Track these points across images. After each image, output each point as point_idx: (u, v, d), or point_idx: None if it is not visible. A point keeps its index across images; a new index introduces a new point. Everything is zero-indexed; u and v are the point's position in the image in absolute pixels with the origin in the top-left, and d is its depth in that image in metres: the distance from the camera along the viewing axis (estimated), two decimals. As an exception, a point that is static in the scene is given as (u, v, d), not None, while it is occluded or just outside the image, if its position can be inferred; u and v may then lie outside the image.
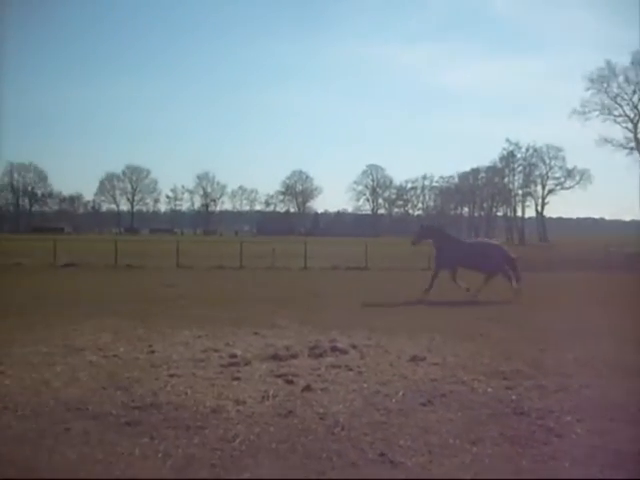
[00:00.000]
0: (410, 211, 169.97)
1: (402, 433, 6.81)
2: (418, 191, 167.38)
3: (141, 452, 6.18)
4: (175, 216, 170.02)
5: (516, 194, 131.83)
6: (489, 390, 8.54)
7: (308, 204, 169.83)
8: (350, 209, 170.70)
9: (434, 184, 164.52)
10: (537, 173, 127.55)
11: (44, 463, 5.88)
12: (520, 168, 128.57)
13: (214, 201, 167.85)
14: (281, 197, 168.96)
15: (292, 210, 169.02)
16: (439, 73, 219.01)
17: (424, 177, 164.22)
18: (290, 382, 8.77)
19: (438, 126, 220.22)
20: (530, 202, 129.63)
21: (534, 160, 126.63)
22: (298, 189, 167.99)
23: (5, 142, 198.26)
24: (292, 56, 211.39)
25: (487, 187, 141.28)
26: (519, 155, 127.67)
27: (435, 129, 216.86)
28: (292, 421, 7.18)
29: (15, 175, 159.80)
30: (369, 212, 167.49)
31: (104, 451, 6.17)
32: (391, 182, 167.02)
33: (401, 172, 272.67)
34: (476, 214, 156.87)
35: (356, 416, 7.37)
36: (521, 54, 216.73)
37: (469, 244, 21.90)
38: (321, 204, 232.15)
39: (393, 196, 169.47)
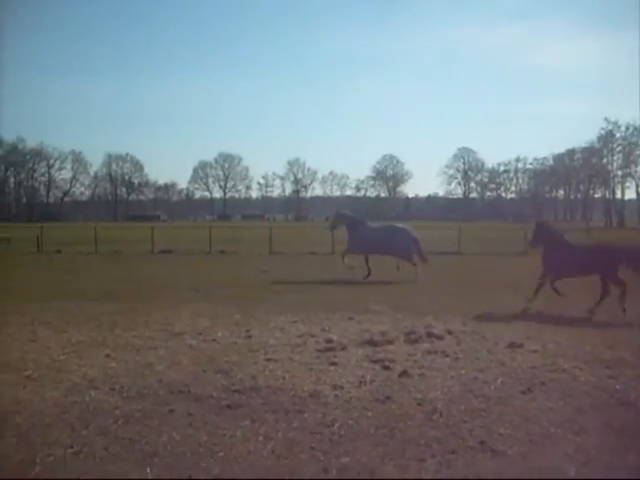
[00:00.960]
0: (503, 194, 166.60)
1: (502, 421, 6.71)
2: (511, 174, 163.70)
3: (242, 434, 6.32)
4: (266, 202, 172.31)
5: (615, 175, 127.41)
6: (591, 379, 8.30)
7: (399, 189, 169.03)
8: (441, 193, 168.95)
9: (528, 166, 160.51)
10: (638, 153, 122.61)
11: (153, 444, 6.08)
12: (619, 148, 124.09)
13: (305, 187, 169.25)
14: (372, 182, 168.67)
15: (382, 195, 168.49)
16: (531, 53, 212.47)
17: (517, 159, 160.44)
18: (387, 368, 8.76)
19: (531, 107, 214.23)
20: (630, 183, 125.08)
21: (634, 139, 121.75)
22: (389, 174, 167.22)
23: (104, 135, 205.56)
24: (380, 42, 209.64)
25: (584, 168, 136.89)
26: (618, 135, 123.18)
27: (528, 110, 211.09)
28: (390, 407, 7.18)
29: (113, 166, 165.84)
30: (461, 196, 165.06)
31: (207, 433, 6.35)
32: (483, 165, 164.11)
33: (493, 155, 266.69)
34: (572, 197, 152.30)
35: (454, 403, 7.30)
36: (616, 29, 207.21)
37: (377, 229, 22.66)
38: (412, 188, 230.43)
39: (485, 179, 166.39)
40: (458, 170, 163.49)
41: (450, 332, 11.10)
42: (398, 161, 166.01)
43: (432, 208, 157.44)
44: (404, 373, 8.46)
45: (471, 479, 5.36)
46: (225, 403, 7.29)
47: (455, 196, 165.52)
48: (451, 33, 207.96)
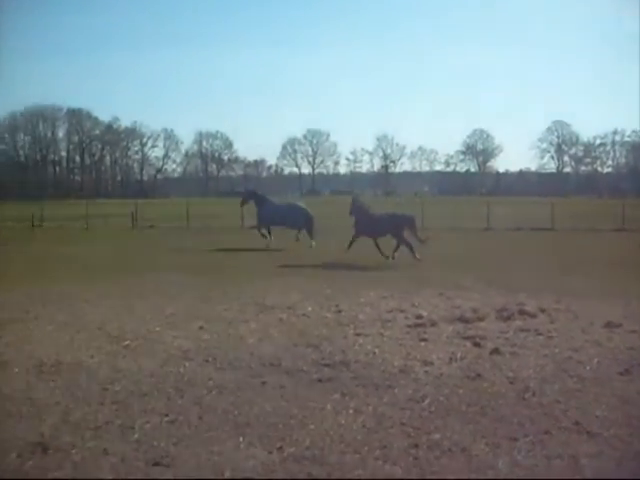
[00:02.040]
0: (599, 169, 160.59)
1: (598, 403, 6.51)
2: (608, 147, 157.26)
3: (333, 408, 6.37)
4: (355, 178, 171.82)
5: None
6: (696, 361, 7.94)
7: (489, 163, 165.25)
8: (533, 168, 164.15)
9: (626, 139, 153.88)
10: None
11: (245, 415, 6.21)
12: None
13: (393, 162, 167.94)
14: (461, 157, 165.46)
15: (472, 170, 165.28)
16: (629, 19, 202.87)
17: (614, 132, 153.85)
18: (478, 345, 8.65)
19: (628, 77, 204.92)
20: None
21: None
22: (479, 148, 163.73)
23: (195, 113, 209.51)
24: (470, 9, 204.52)
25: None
26: None
27: (625, 80, 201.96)
28: (481, 384, 7.09)
29: (204, 143, 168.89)
30: (554, 171, 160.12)
31: (298, 406, 6.42)
32: (577, 138, 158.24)
33: (589, 128, 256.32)
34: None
35: (548, 382, 7.14)
36: None
37: (278, 205, 26.07)
38: (502, 163, 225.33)
39: (580, 153, 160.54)
40: (551, 144, 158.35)
41: (543, 310, 10.85)
42: (488, 135, 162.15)
43: (524, 183, 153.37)
44: (495, 351, 8.33)
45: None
46: (316, 377, 7.37)
47: (548, 171, 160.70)
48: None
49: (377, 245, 19.45)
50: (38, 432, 5.82)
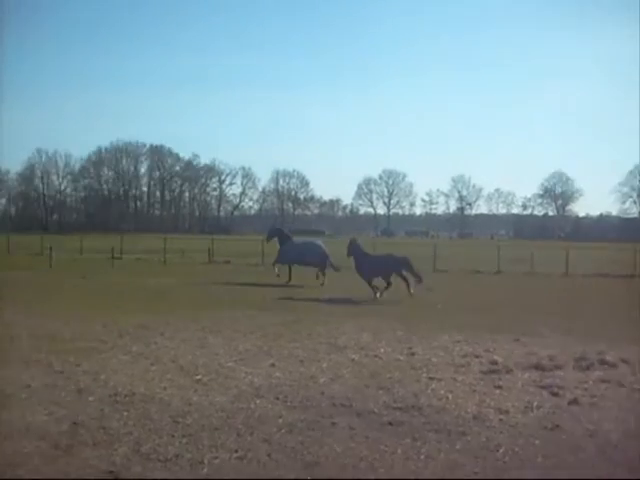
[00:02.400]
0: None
1: (686, 461, 6.17)
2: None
3: (403, 453, 6.23)
4: (430, 219, 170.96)
5: None
6: None
7: (568, 207, 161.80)
8: (614, 212, 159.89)
9: None
10: None
11: (315, 454, 6.14)
12: None
13: (469, 204, 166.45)
14: (539, 200, 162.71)
15: (550, 213, 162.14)
16: None
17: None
18: (555, 394, 8.36)
19: None
20: None
21: None
22: (557, 191, 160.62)
23: (272, 152, 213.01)
24: (554, 48, 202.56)
25: None
26: None
27: None
28: (559, 436, 6.82)
29: (280, 181, 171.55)
30: (636, 215, 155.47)
31: (369, 448, 6.32)
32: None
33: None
34: None
35: (631, 437, 6.81)
36: None
37: (297, 244, 26.37)
38: (582, 207, 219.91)
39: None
40: (633, 188, 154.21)
41: (625, 361, 10.41)
42: (568, 178, 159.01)
43: (604, 228, 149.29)
44: (574, 401, 8.03)
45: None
46: (387, 419, 7.24)
47: (630, 215, 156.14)
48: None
49: (370, 284, 20.58)
50: (110, 461, 5.90)
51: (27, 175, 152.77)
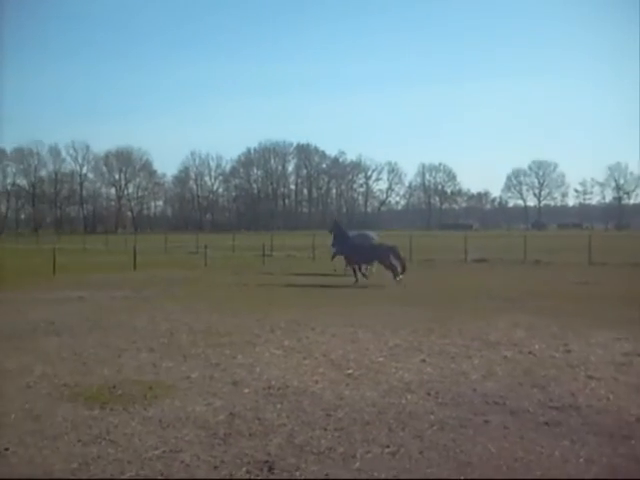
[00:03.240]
0: None
1: None
2: None
3: (561, 455, 5.97)
4: (584, 210, 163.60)
5: None
6: None
7: None
8: None
9: None
10: None
11: (467, 453, 6.02)
12: None
13: (627, 194, 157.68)
14: None
15: None
16: None
17: None
18: None
19: None
20: None
21: None
22: None
23: (418, 145, 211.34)
24: None
25: None
26: None
27: None
28: None
29: (427, 175, 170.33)
30: None
31: (524, 448, 6.11)
32: None
33: None
34: None
35: None
36: None
37: (353, 237, 26.65)
38: None
39: None
40: None
41: None
42: None
43: None
44: None
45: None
46: (542, 419, 6.98)
47: None
48: None
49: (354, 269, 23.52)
50: (265, 451, 6.06)
51: (182, 177, 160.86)
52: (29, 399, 7.88)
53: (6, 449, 6.14)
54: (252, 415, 7.16)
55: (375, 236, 28.42)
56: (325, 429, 6.69)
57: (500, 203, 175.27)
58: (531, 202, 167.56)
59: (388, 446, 6.19)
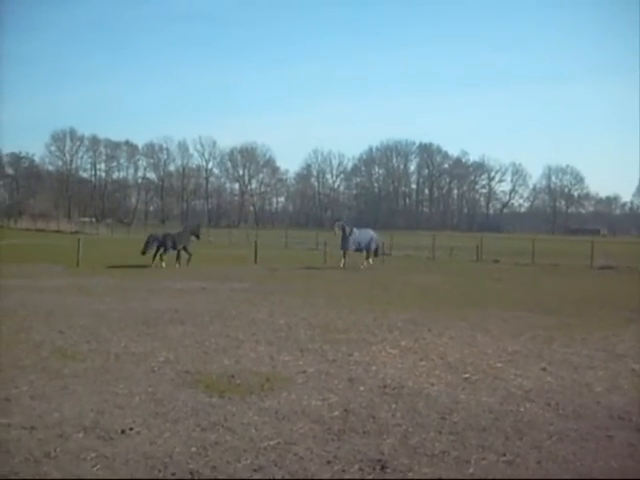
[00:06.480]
0: None
1: None
2: None
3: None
4: None
5: None
6: None
7: None
8: None
9: None
10: None
11: (588, 467, 5.78)
12: None
13: None
14: None
15: None
16: None
17: None
18: None
19: None
20: None
21: None
22: None
23: (544, 145, 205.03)
24: None
25: None
26: None
27: None
28: None
29: (553, 178, 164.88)
30: None
31: (652, 468, 5.79)
32: None
33: None
34: None
35: None
36: None
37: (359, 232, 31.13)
38: None
39: None
40: None
41: None
42: None
43: None
44: None
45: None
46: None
47: None
48: None
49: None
50: (378, 450, 6.05)
51: (304, 174, 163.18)
52: (153, 383, 8.22)
53: (130, 429, 6.43)
54: (367, 413, 7.16)
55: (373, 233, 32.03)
56: (440, 432, 6.60)
57: (631, 208, 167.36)
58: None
59: (504, 454, 6.03)
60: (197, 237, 30.45)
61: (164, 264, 27.25)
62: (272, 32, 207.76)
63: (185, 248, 28.58)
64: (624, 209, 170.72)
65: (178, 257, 28.25)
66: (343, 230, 30.52)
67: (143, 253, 27.69)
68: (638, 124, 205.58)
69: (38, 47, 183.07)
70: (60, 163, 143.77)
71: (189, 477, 5.37)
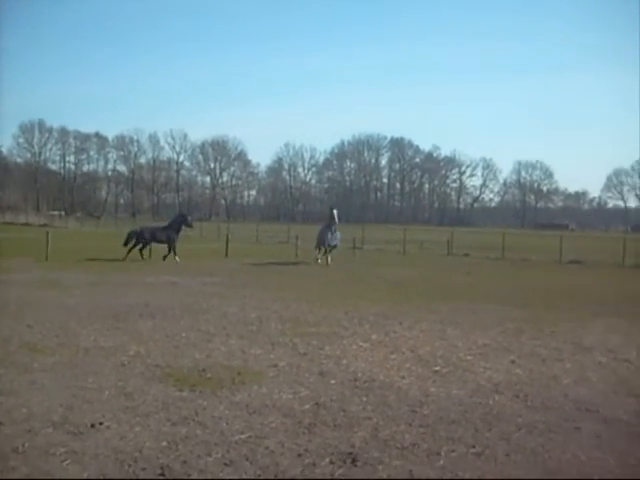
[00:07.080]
0: None
1: None
2: None
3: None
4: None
5: None
6: None
7: None
8: None
9: None
10: None
11: (556, 459, 5.86)
12: None
13: None
14: None
15: None
16: None
17: None
18: None
19: None
20: None
21: None
22: None
23: (514, 141, 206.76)
24: None
25: None
26: None
27: None
28: None
29: (522, 173, 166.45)
30: None
31: (616, 460, 5.86)
32: None
33: None
34: None
35: None
36: None
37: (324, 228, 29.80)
38: None
39: None
40: None
41: None
42: None
43: None
44: None
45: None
46: (638, 430, 6.70)
47: None
48: None
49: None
50: (349, 443, 6.07)
51: (275, 168, 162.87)
52: (122, 377, 8.16)
53: (100, 423, 6.38)
54: (337, 406, 7.18)
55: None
56: (410, 425, 6.64)
57: (599, 203, 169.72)
58: (632, 203, 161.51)
59: (474, 446, 6.08)
60: (189, 226, 30.03)
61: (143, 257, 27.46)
62: (244, 27, 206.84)
63: (169, 242, 28.20)
64: (592, 204, 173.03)
65: (170, 252, 28.04)
66: (331, 224, 29.04)
67: (133, 246, 27.71)
68: (606, 120, 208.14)
69: (5, 39, 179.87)
70: (28, 155, 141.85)
71: (159, 472, 5.34)
